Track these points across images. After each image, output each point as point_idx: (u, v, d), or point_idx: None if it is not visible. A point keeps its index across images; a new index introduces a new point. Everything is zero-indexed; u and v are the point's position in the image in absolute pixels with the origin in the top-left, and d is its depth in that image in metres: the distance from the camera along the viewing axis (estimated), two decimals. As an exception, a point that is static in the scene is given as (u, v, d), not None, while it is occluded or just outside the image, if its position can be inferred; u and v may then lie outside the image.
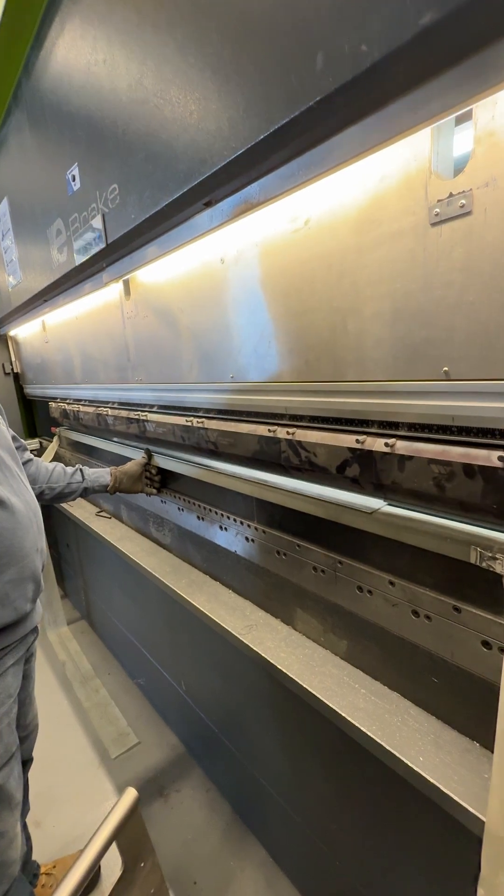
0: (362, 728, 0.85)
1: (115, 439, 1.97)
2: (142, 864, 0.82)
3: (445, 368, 0.69)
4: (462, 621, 0.78)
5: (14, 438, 1.36)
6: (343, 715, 0.89)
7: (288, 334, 0.95)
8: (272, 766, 1.38)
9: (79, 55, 1.03)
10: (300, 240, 0.87)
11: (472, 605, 0.76)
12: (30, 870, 1.41)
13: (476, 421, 0.67)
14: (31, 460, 1.46)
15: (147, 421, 1.51)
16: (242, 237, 1.00)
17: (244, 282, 1.03)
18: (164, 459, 1.54)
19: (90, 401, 2.07)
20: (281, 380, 1.00)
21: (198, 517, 1.49)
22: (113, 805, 0.80)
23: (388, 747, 0.81)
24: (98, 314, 1.76)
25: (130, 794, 0.82)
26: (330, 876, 1.26)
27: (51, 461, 1.61)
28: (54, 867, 1.49)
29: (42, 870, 1.47)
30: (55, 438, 2.62)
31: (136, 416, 1.57)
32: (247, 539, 1.28)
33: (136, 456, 1.67)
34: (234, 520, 1.32)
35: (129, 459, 1.67)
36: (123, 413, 1.68)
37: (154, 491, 1.63)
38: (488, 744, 0.80)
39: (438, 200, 0.64)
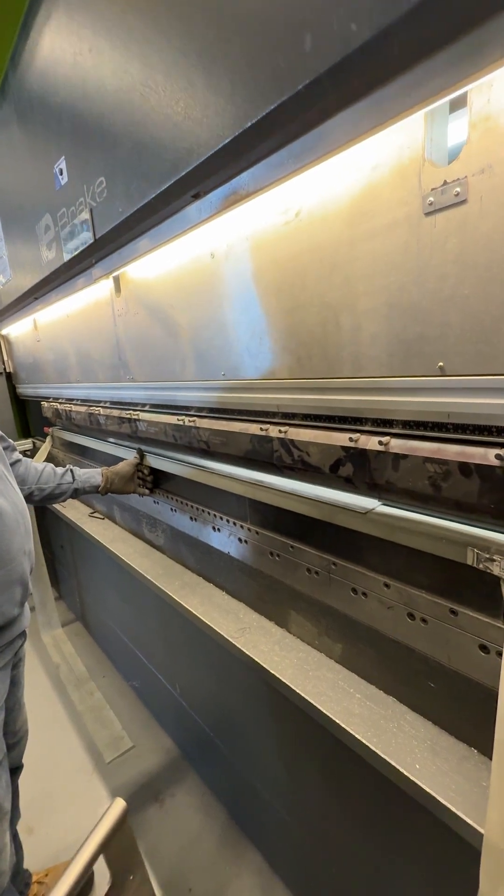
0: (357, 735, 0.83)
1: (108, 439, 1.94)
2: (131, 877, 0.80)
3: (440, 364, 0.67)
4: (459, 624, 0.75)
5: (2, 438, 1.34)
6: (337, 721, 0.87)
7: (280, 330, 0.93)
8: (268, 771, 1.35)
9: (64, 45, 1.00)
10: (291, 232, 0.85)
11: (470, 607, 0.74)
12: (21, 879, 1.38)
13: (472, 418, 0.64)
14: (19, 461, 1.43)
15: (139, 420, 1.48)
16: (233, 231, 0.97)
17: (235, 277, 1.00)
18: (157, 459, 1.52)
19: (82, 400, 2.04)
20: (273, 377, 0.97)
21: (191, 518, 1.46)
22: (100, 816, 0.78)
23: (382, 755, 0.79)
24: (89, 312, 1.73)
25: (118, 804, 0.79)
26: (326, 883, 1.24)
27: (43, 461, 1.58)
28: (46, 875, 1.47)
29: (34, 878, 1.44)
30: (48, 438, 2.59)
31: (128, 416, 1.54)
32: (240, 540, 1.26)
33: (129, 456, 1.65)
34: (227, 520, 1.29)
35: (122, 459, 1.65)
36: (115, 412, 1.65)
37: (146, 491, 1.61)
38: (486, 750, 0.78)
39: (432, 189, 0.62)
